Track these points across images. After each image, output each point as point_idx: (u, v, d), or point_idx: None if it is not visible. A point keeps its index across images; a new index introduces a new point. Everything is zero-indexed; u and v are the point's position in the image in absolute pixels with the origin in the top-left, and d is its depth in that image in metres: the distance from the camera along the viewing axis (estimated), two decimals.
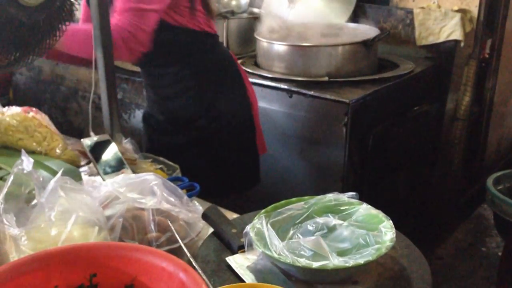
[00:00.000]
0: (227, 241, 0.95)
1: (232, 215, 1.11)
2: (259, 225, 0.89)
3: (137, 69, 2.28)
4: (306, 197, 0.98)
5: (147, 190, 0.99)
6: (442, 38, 2.36)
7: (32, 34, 1.08)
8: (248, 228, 0.89)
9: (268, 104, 2.13)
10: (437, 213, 2.66)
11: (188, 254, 0.90)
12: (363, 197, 0.96)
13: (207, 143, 1.74)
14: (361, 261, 0.81)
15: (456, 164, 2.62)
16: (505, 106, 2.97)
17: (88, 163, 1.43)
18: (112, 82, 1.43)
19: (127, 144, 1.46)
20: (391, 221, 0.89)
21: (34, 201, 0.96)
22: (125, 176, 1.01)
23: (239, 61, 2.32)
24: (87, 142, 1.33)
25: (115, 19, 1.49)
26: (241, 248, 0.92)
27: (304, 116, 2.07)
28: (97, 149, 1.34)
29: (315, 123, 2.05)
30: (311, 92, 2.03)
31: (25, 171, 0.97)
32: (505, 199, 1.87)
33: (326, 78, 2.11)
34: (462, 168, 2.68)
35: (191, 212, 1.03)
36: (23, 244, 0.87)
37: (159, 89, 1.77)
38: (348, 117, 1.95)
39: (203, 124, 1.72)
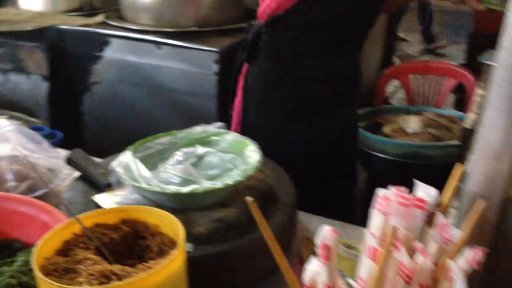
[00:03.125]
0: (94, 182, 0.92)
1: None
2: (126, 159, 0.86)
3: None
4: (174, 131, 0.98)
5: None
6: None
7: None
8: (114, 164, 0.86)
9: (137, 57, 2.05)
10: None
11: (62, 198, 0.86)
12: None
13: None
14: (230, 182, 0.83)
15: None
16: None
17: None
18: None
19: None
20: (257, 145, 0.93)
21: None
22: None
23: (102, 15, 2.22)
24: None
25: None
26: (109, 186, 0.89)
27: (174, 67, 2.03)
28: None
29: (186, 73, 2.03)
30: (180, 43, 2.00)
31: None
32: (366, 133, 2.04)
33: (195, 28, 2.09)
34: None
35: (53, 158, 0.98)
36: None
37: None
38: (219, 65, 1.96)
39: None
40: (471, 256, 0.48)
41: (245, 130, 1.46)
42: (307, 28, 1.28)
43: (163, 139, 0.95)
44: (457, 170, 0.57)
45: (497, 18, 0.53)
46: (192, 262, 0.67)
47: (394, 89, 3.83)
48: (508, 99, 0.53)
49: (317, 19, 1.27)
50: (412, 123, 2.16)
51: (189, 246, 0.75)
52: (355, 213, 1.48)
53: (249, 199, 0.53)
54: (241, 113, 1.48)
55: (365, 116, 2.20)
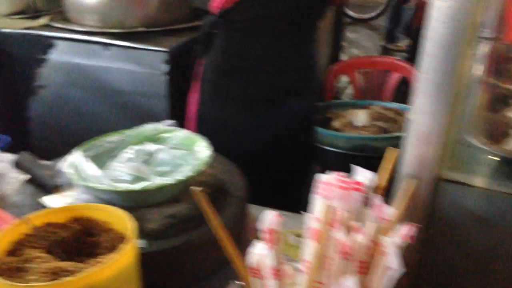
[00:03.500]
0: (42, 184, 0.91)
1: None
2: (75, 159, 0.86)
3: None
4: (124, 130, 0.98)
5: None
6: None
7: None
8: (62, 164, 0.86)
9: (84, 59, 2.02)
10: None
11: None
12: None
13: None
14: (181, 177, 0.84)
15: None
16: None
17: None
18: None
19: None
20: (207, 141, 0.94)
21: None
22: None
23: (46, 17, 2.17)
24: None
25: None
26: (57, 188, 0.89)
27: (123, 68, 2.02)
28: None
29: (136, 75, 2.02)
30: (128, 43, 1.98)
31: None
32: (316, 128, 2.09)
33: (142, 29, 2.08)
34: None
35: (0, 162, 0.96)
36: None
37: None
38: (169, 65, 1.96)
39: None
40: (404, 232, 0.52)
41: (201, 120, 1.48)
42: (256, 20, 1.32)
43: (113, 138, 0.95)
44: (390, 154, 0.61)
45: None
46: (147, 258, 0.68)
47: (344, 85, 3.93)
48: (434, 85, 0.57)
49: (265, 11, 1.31)
50: (360, 117, 2.23)
51: (142, 242, 0.76)
52: (306, 205, 1.52)
53: (195, 188, 0.55)
54: (198, 104, 1.51)
55: (317, 112, 2.25)
